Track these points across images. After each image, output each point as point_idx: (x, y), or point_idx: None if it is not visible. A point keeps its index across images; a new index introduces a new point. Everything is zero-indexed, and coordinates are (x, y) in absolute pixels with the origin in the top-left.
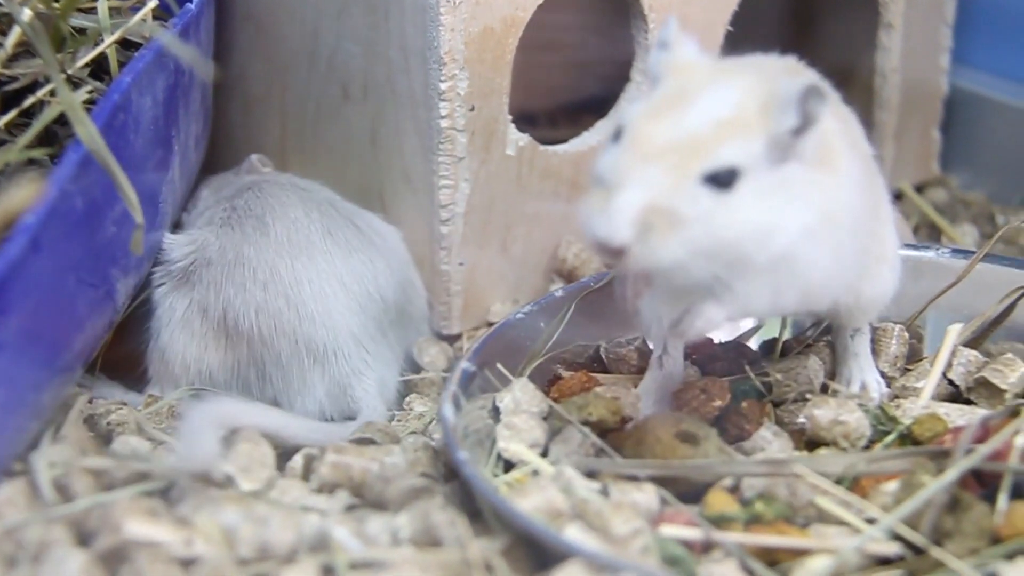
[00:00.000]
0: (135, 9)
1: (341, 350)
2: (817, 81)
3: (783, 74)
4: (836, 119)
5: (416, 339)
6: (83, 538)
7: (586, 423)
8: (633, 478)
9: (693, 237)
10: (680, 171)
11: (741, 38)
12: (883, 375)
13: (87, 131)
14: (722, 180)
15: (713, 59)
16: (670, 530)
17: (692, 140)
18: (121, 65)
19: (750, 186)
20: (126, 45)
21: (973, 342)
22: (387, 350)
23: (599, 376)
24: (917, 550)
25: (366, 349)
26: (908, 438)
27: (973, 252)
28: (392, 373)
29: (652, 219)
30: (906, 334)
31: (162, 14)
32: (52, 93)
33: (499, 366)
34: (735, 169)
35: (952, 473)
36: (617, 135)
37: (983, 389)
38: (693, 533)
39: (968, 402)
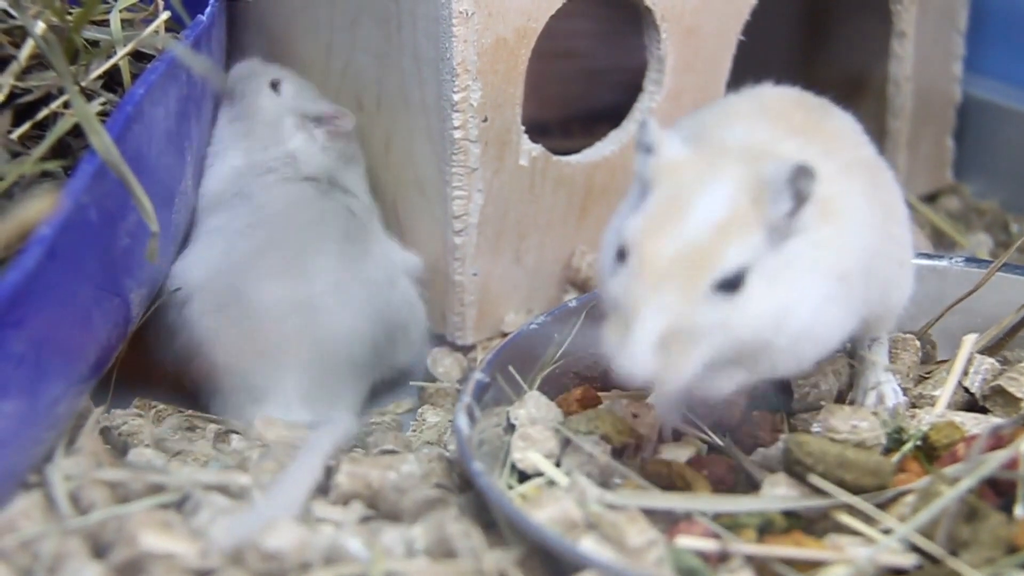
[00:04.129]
0: (147, 21)
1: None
2: (803, 161)
3: (771, 149)
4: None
5: (408, 357)
6: (98, 550)
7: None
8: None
9: (712, 345)
10: (690, 287)
11: (754, 48)
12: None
13: (102, 142)
14: (731, 284)
15: (695, 153)
16: (686, 541)
17: (696, 252)
18: (134, 77)
19: (758, 278)
20: (138, 57)
21: (990, 350)
22: (351, 387)
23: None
24: (933, 560)
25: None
26: (924, 446)
27: (986, 261)
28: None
29: (671, 341)
30: (916, 343)
31: (174, 26)
32: (66, 105)
33: (514, 375)
34: (742, 270)
35: (966, 482)
36: (621, 254)
37: (999, 397)
38: (709, 544)
39: (984, 410)
